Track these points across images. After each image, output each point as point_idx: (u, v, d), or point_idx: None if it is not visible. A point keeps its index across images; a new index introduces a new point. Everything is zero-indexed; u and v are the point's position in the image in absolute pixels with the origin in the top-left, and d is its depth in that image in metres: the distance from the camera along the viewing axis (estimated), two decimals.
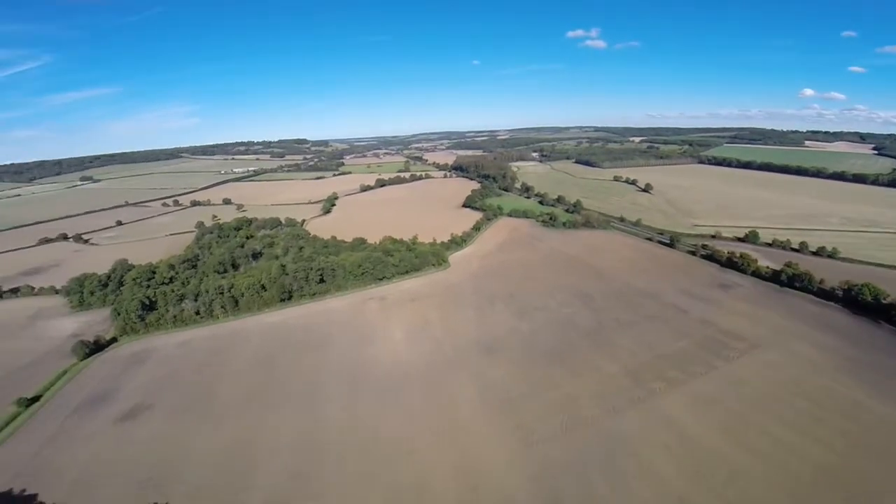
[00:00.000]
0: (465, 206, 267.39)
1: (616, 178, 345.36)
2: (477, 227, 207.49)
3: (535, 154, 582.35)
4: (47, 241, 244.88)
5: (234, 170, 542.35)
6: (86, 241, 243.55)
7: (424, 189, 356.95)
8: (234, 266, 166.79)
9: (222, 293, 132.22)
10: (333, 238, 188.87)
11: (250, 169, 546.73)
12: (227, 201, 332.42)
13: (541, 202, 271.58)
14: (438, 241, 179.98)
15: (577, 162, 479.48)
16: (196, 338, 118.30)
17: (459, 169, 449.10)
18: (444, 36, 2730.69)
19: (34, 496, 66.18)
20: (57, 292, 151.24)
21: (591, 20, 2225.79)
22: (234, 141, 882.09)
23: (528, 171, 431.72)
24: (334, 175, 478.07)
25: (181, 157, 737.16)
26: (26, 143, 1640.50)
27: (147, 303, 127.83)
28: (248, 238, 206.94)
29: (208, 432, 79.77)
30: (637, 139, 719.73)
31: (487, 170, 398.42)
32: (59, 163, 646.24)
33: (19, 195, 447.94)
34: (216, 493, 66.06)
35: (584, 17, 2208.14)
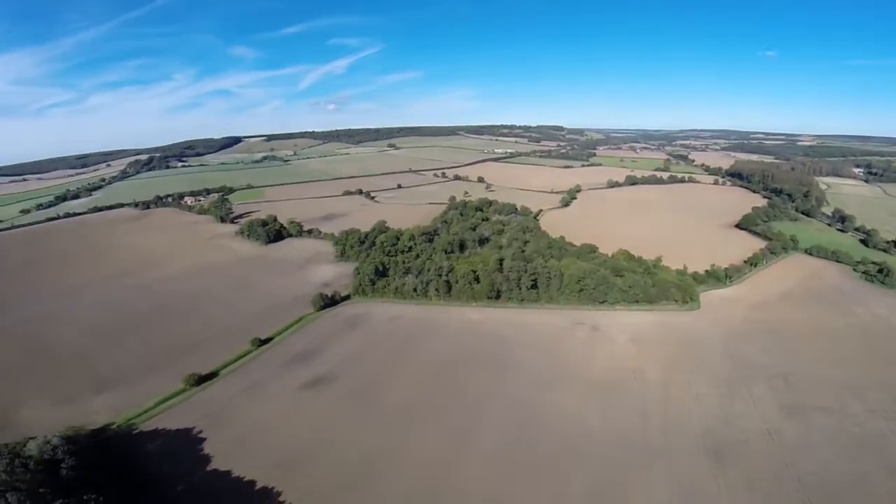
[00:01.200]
0: (738, 226, 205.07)
1: None
2: (753, 262, 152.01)
3: (857, 170, 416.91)
4: (347, 193, 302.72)
5: (496, 150, 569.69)
6: (372, 198, 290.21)
7: (684, 195, 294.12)
8: (462, 248, 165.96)
9: (440, 275, 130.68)
10: (561, 238, 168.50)
11: (508, 151, 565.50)
12: (480, 179, 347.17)
13: (863, 241, 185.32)
14: (690, 270, 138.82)
15: None
16: (404, 316, 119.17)
17: (737, 176, 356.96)
18: (727, 24, 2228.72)
19: (202, 441, 73.00)
20: (333, 240, 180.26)
21: None
22: (500, 123, 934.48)
23: (845, 192, 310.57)
24: (582, 165, 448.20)
25: (458, 134, 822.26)
26: (362, 114, 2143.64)
27: (380, 269, 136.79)
28: (482, 221, 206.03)
29: (361, 427, 76.46)
30: None
31: (780, 182, 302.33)
32: (377, 131, 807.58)
33: (348, 154, 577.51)
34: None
35: None
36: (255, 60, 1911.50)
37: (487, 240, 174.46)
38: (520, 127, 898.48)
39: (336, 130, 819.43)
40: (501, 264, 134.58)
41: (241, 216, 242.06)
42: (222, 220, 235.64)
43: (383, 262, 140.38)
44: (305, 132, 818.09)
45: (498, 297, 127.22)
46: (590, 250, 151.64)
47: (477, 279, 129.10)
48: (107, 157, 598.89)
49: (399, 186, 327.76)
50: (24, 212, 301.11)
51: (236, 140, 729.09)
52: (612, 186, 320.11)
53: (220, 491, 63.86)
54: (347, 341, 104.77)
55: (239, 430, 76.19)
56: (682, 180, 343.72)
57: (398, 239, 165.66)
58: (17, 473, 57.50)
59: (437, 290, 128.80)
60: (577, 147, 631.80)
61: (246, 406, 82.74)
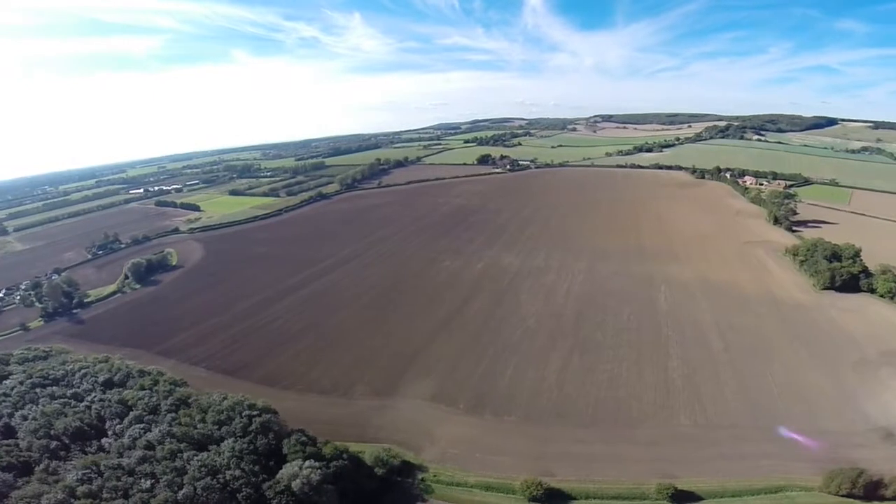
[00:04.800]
0: None
1: None
2: None
3: None
4: None
5: None
6: None
7: None
8: None
9: None
10: None
11: None
12: None
13: None
14: None
15: None
16: None
17: None
18: None
19: None
20: None
21: None
22: None
23: None
24: None
25: None
26: None
27: None
28: None
29: None
30: None
31: None
32: None
33: None
34: None
35: None
36: (865, 36, 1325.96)
37: None
38: None
39: None
40: None
41: (804, 223, 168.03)
42: (776, 222, 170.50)
43: None
44: None
45: None
46: None
47: None
48: (691, 118, 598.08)
49: None
50: (608, 154, 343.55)
51: (830, 122, 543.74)
52: None
53: None
54: None
55: None
56: None
57: None
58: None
59: None
60: None
61: None
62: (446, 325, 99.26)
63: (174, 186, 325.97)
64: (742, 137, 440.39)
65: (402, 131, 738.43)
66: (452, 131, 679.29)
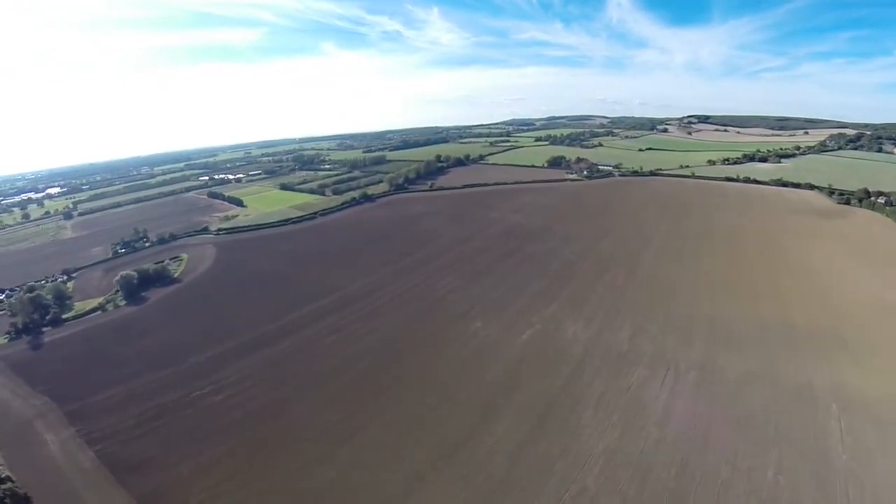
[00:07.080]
0: None
1: None
2: None
3: None
4: None
5: None
6: None
7: None
8: None
9: None
10: None
11: None
12: None
13: None
14: None
15: None
16: None
17: None
18: None
19: None
20: None
21: None
22: None
23: None
24: None
25: None
26: None
27: None
28: None
29: None
30: None
31: None
32: None
33: None
34: None
35: None
36: None
37: None
38: None
39: None
40: None
41: None
42: None
43: None
44: None
45: None
46: None
47: None
48: (807, 123, 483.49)
49: None
50: (711, 163, 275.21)
51: None
52: None
53: None
54: None
55: None
56: None
57: None
58: None
59: None
60: None
61: None
62: (444, 462, 57.71)
63: (238, 175, 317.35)
64: (880, 150, 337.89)
65: (473, 125, 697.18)
66: (526, 127, 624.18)
